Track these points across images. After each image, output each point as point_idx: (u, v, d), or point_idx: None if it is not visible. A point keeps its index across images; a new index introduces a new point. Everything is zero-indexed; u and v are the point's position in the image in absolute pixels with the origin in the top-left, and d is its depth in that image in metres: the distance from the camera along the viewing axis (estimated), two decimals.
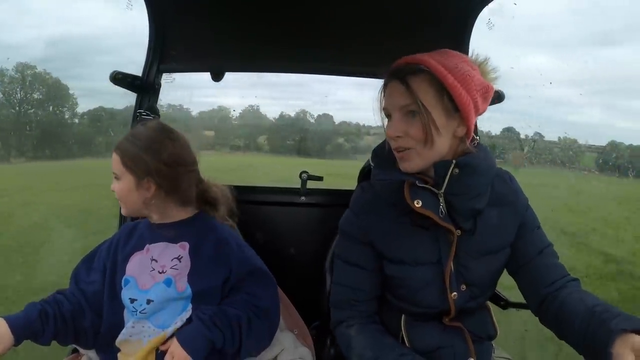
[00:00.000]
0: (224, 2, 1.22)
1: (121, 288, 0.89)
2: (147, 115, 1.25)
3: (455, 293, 0.80)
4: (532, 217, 0.86)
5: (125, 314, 0.88)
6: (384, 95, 0.80)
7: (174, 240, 0.90)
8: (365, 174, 0.90)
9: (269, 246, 1.17)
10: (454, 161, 0.76)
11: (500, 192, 0.83)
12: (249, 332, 0.87)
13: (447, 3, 1.22)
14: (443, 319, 0.84)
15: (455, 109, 0.75)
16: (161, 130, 0.90)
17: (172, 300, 0.86)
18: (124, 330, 0.87)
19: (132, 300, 0.87)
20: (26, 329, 0.81)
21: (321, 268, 1.15)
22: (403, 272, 0.81)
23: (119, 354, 0.88)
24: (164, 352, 0.84)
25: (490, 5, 1.20)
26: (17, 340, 0.80)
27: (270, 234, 1.37)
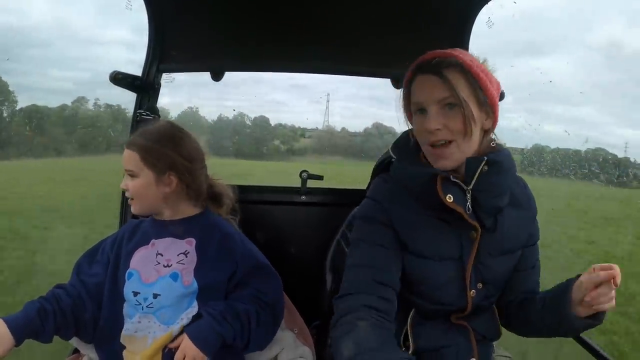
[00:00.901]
0: (224, 2, 1.21)
1: (124, 282, 0.89)
2: (147, 115, 1.25)
3: (473, 290, 0.81)
4: (537, 229, 0.88)
5: (126, 307, 0.89)
6: (411, 91, 0.79)
7: (180, 236, 0.92)
8: (384, 167, 0.88)
9: (269, 245, 1.17)
10: (485, 158, 0.77)
11: (518, 195, 0.84)
12: (257, 326, 0.88)
13: (448, 3, 1.22)
14: (451, 316, 0.84)
15: (484, 101, 0.76)
16: (175, 127, 0.93)
17: (179, 295, 0.87)
18: (129, 325, 0.88)
19: (135, 294, 0.88)
20: (26, 328, 0.81)
21: (322, 267, 1.15)
22: (425, 266, 0.80)
23: (124, 352, 0.88)
24: (171, 352, 0.84)
25: (490, 4, 1.20)
26: (18, 341, 0.80)
27: (271, 233, 1.37)
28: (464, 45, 1.27)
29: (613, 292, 0.69)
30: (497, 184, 0.78)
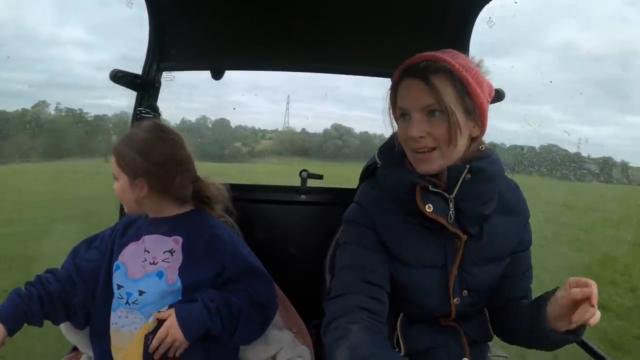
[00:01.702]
0: (224, 1, 1.21)
1: (112, 273, 0.90)
2: (147, 113, 1.25)
3: (457, 298, 0.80)
4: (529, 234, 0.86)
5: (112, 300, 0.90)
6: (395, 95, 0.77)
7: (168, 233, 0.92)
8: (370, 172, 0.88)
9: (268, 244, 1.17)
10: (467, 166, 0.75)
11: (507, 200, 0.82)
12: (246, 323, 0.88)
13: (448, 3, 1.22)
14: (440, 320, 0.83)
15: (472, 108, 0.73)
16: (153, 130, 0.91)
17: (163, 293, 0.87)
18: (114, 319, 0.88)
19: (119, 287, 0.89)
20: (13, 315, 0.81)
21: (321, 266, 1.15)
22: (408, 273, 0.79)
23: (111, 347, 0.88)
24: (152, 338, 0.84)
25: (490, 4, 1.20)
26: (10, 330, 0.80)
27: (270, 232, 1.37)
28: (465, 45, 1.27)
29: (593, 308, 0.65)
30: (482, 192, 0.76)
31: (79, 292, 0.90)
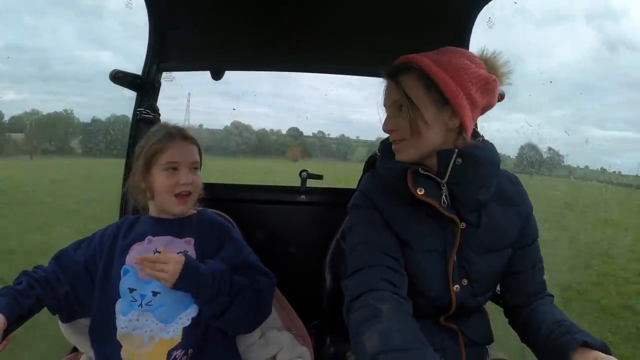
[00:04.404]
0: (224, 1, 1.22)
1: (119, 278, 0.89)
2: (147, 114, 1.26)
3: (457, 286, 0.80)
4: (534, 227, 0.87)
5: (120, 304, 0.88)
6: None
7: (179, 235, 0.93)
8: (372, 163, 0.91)
9: (268, 245, 1.17)
10: (456, 150, 0.77)
11: (507, 192, 0.85)
12: (240, 304, 0.87)
13: (448, 3, 1.22)
14: (440, 318, 0.83)
15: (445, 101, 0.76)
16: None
17: (178, 293, 0.86)
18: (125, 323, 0.87)
19: (131, 290, 0.88)
20: (4, 302, 0.80)
21: (321, 267, 1.15)
22: (411, 257, 0.79)
23: (121, 351, 0.87)
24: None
25: (490, 4, 1.20)
26: (7, 316, 0.78)
27: (270, 232, 1.37)
28: (464, 45, 1.27)
29: None
30: (474, 177, 0.78)
31: (62, 283, 0.89)
